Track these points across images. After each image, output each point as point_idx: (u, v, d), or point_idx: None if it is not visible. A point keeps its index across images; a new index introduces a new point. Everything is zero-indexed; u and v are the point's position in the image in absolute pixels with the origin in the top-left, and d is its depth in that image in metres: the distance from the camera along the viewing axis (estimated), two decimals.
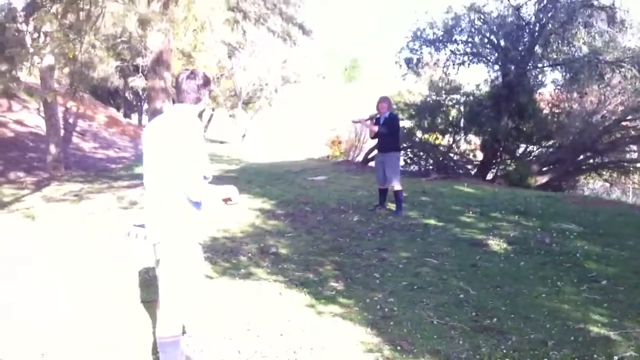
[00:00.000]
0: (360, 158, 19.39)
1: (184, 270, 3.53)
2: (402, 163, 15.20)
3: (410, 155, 17.99)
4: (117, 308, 4.99)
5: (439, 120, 17.59)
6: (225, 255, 6.93)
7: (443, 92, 17.93)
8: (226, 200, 3.58)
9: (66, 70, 17.13)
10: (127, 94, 31.23)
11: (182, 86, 3.60)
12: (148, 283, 5.64)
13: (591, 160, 17.02)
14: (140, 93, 29.05)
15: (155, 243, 3.54)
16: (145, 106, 28.61)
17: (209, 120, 33.72)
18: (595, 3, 15.07)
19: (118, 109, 30.37)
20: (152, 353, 4.06)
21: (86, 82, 19.72)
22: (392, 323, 4.76)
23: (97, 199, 10.49)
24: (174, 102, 3.73)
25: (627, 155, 17.12)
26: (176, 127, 3.50)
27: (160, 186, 3.47)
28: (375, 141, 10.40)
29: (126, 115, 30.55)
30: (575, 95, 16.59)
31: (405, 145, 16.83)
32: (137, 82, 24.85)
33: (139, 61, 21.03)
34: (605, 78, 15.43)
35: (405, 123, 17.66)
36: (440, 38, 17.14)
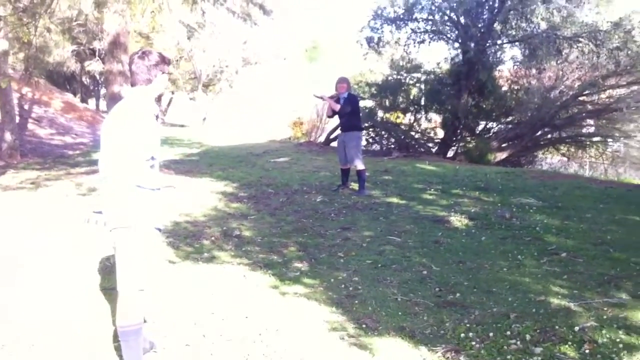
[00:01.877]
0: (322, 139, 19.40)
1: (139, 257, 3.45)
2: (364, 143, 15.24)
3: (372, 134, 18.05)
4: (77, 297, 4.90)
5: (400, 100, 17.65)
6: (188, 239, 6.86)
7: (404, 70, 17.97)
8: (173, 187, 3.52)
9: (21, 55, 16.73)
10: (84, 79, 30.63)
11: (132, 67, 3.51)
12: (109, 270, 5.54)
13: (549, 136, 17.30)
14: (98, 77, 28.52)
15: (111, 229, 3.46)
16: (103, 90, 28.14)
17: (169, 103, 33.32)
18: None
19: (75, 94, 29.75)
20: (112, 341, 4.00)
21: (41, 67, 19.30)
22: (356, 302, 4.77)
23: (54, 186, 10.27)
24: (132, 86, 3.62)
25: (584, 130, 17.44)
26: (123, 110, 3.44)
27: (112, 171, 3.39)
28: (336, 121, 10.39)
29: (83, 101, 29.95)
30: (533, 71, 16.79)
31: (367, 124, 16.87)
32: (94, 66, 24.31)
33: (96, 44, 20.57)
34: (563, 53, 15.63)
35: (366, 102, 17.69)
36: (401, 16, 17.13)
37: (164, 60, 3.59)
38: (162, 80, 3.61)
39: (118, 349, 3.75)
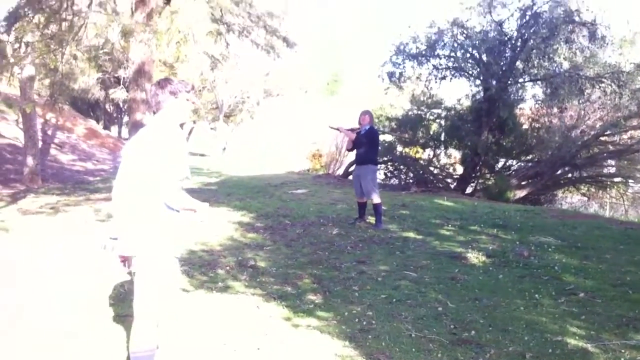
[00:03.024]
0: (340, 171, 19.40)
1: (158, 284, 3.46)
2: (381, 177, 15.23)
3: (391, 168, 18.04)
4: (92, 322, 4.91)
5: (420, 134, 17.67)
6: (203, 268, 6.86)
7: (424, 106, 18.02)
8: (194, 211, 3.53)
9: (46, 81, 17.00)
10: (107, 106, 31.09)
11: (152, 94, 3.58)
12: (123, 297, 5.55)
13: (569, 175, 17.18)
14: (121, 105, 28.92)
15: (129, 256, 3.47)
16: (126, 118, 28.51)
17: (190, 132, 33.61)
18: (577, 19, 15.24)
19: (98, 121, 30.19)
20: None
21: (66, 94, 19.61)
22: (370, 336, 4.72)
23: (73, 212, 10.36)
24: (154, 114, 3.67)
25: (605, 170, 17.32)
26: (151, 134, 3.47)
27: (134, 197, 3.41)
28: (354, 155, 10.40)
29: (106, 128, 30.37)
30: (555, 110, 16.74)
31: (385, 158, 16.89)
32: (118, 94, 24.70)
33: (121, 73, 20.96)
34: (585, 93, 15.58)
35: (386, 137, 17.72)
36: (423, 52, 17.21)
37: (185, 88, 3.63)
38: (184, 108, 3.64)
39: None
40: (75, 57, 15.06)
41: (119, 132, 31.67)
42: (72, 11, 11.10)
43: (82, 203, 11.19)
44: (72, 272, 6.52)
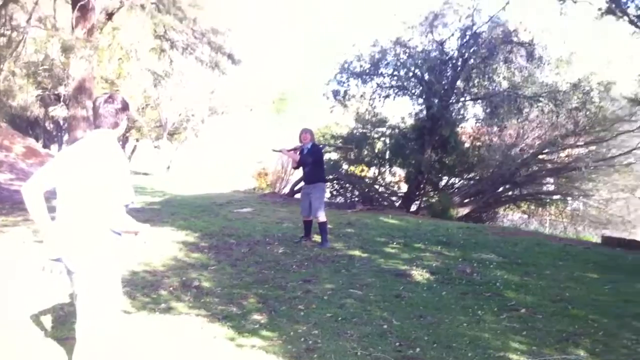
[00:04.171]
0: (286, 190, 19.39)
1: (105, 303, 3.39)
2: (327, 195, 15.26)
3: (337, 186, 18.12)
4: (29, 346, 4.73)
5: (365, 153, 17.81)
6: (145, 289, 6.70)
7: (369, 124, 18.21)
8: (136, 233, 3.48)
9: None
10: (47, 124, 30.36)
11: (99, 110, 3.50)
12: (62, 320, 5.39)
13: (510, 192, 17.60)
14: (61, 123, 28.30)
15: (73, 273, 3.37)
16: (66, 136, 27.82)
17: (133, 151, 33.12)
18: (515, 39, 15.72)
19: (37, 139, 29.37)
20: None
21: (4, 111, 19.08)
22: (315, 355, 4.69)
23: (11, 232, 10.02)
24: None
25: (544, 188, 17.79)
26: (97, 152, 3.40)
27: (79, 214, 3.32)
28: (301, 173, 10.42)
29: (45, 146, 29.55)
30: (495, 129, 17.15)
31: (331, 177, 16.93)
32: (58, 111, 24.17)
33: (61, 89, 20.47)
34: (524, 112, 16.04)
35: (332, 155, 17.79)
36: (367, 71, 17.43)
37: (127, 106, 3.60)
38: (124, 125, 3.62)
39: None
40: (13, 74, 14.67)
41: (59, 150, 30.92)
42: (10, 26, 10.85)
43: (20, 223, 10.82)
44: (10, 295, 6.29)
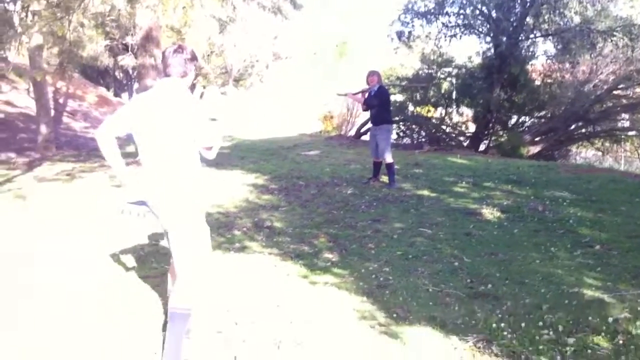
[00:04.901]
0: (352, 132, 19.34)
1: (200, 241, 3.61)
2: (394, 136, 15.18)
3: (403, 128, 17.98)
4: (112, 285, 4.98)
5: (431, 93, 17.54)
6: (220, 229, 6.92)
7: (435, 65, 17.85)
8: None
9: (55, 49, 16.92)
10: (117, 73, 30.95)
11: (168, 60, 3.57)
12: (143, 259, 5.64)
13: (583, 130, 17.07)
14: (130, 72, 28.77)
15: (165, 217, 3.50)
16: (136, 85, 28.39)
17: (200, 97, 33.52)
18: None
19: (108, 88, 30.13)
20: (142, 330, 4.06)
21: (75, 62, 19.48)
22: (387, 292, 4.78)
23: (89, 178, 10.45)
24: None
25: (619, 124, 17.18)
26: (176, 99, 3.48)
27: (164, 160, 3.43)
28: (367, 115, 10.39)
29: (116, 95, 30.31)
30: (567, 65, 16.54)
31: (397, 118, 16.79)
32: (127, 60, 24.52)
33: (129, 39, 20.83)
34: (597, 47, 15.37)
35: (397, 97, 17.61)
36: (432, 10, 17.00)
37: (196, 56, 3.68)
38: (192, 76, 3.70)
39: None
40: (82, 25, 14.94)
41: (130, 99, 31.61)
42: None
43: (97, 169, 11.26)
44: (91, 237, 6.60)
